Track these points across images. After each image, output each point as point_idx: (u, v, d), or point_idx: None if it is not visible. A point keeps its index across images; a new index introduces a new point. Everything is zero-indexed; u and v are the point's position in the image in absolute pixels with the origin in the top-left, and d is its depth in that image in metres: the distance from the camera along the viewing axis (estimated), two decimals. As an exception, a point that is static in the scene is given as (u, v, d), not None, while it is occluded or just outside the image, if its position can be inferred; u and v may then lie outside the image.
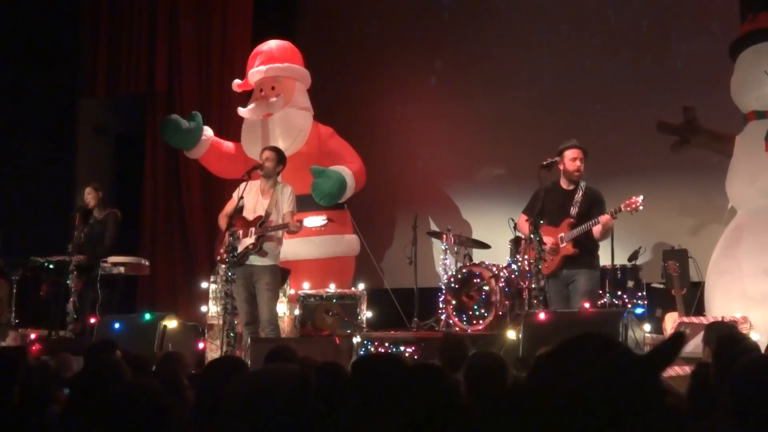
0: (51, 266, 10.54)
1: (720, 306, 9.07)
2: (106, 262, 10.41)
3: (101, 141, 13.76)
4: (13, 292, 10.53)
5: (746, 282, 9.00)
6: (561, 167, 8.75)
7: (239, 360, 5.54)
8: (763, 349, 7.25)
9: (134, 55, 13.34)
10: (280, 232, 8.84)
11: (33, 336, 9.80)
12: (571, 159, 8.69)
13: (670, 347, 2.17)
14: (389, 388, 3.19)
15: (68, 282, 10.27)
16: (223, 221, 9.01)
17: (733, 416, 3.24)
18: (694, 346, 7.70)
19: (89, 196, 10.72)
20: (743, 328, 8.00)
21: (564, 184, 8.81)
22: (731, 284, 9.13)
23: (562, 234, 8.58)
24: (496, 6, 12.64)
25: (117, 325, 9.32)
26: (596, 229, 8.51)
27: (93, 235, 10.55)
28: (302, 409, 3.03)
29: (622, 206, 8.39)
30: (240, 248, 8.70)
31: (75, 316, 10.21)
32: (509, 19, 12.53)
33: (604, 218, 8.44)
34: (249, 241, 8.74)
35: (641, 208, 8.38)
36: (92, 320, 9.85)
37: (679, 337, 2.19)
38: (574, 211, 8.66)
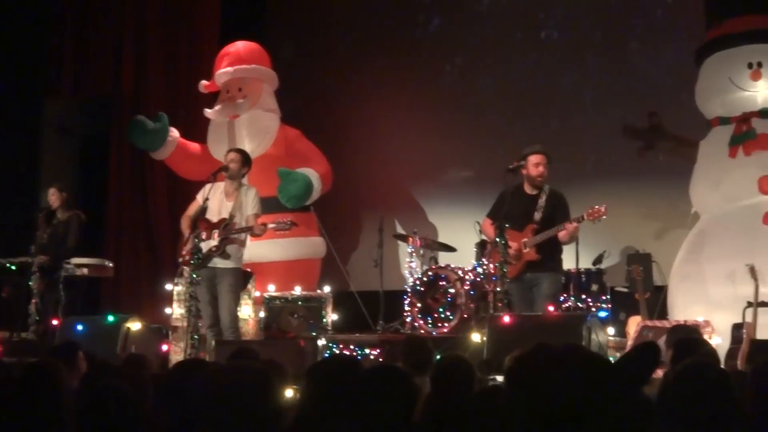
0: (13, 267, 10.45)
1: (683, 310, 9.17)
2: (69, 263, 10.35)
3: (66, 142, 13.67)
4: (-26, 293, 10.47)
5: (709, 286, 9.10)
6: (524, 172, 8.75)
7: (204, 362, 5.54)
8: (724, 351, 7.37)
9: (100, 56, 13.27)
10: (243, 235, 8.82)
11: (-6, 338, 9.75)
12: (534, 164, 8.69)
13: (644, 362, 2.22)
14: (345, 394, 3.21)
15: (30, 283, 10.19)
16: (185, 223, 8.98)
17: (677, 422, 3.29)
18: (657, 349, 7.76)
19: (53, 197, 10.66)
20: (705, 332, 8.09)
21: (527, 188, 8.82)
22: (694, 288, 9.23)
23: (525, 239, 8.61)
24: (463, 17, 12.69)
25: (80, 327, 9.24)
26: (561, 234, 8.54)
27: (56, 236, 10.48)
28: (264, 406, 3.04)
29: (585, 215, 8.41)
30: (204, 248, 8.69)
31: (37, 318, 10.13)
32: (475, 29, 12.59)
33: (569, 227, 8.47)
34: (212, 243, 8.72)
35: (604, 217, 8.42)
36: (55, 322, 9.77)
37: (652, 350, 2.24)
38: (537, 216, 8.67)
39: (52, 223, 10.56)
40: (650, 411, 3.25)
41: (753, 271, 8.27)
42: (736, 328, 8.01)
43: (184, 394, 3.66)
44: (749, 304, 8.21)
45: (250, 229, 8.69)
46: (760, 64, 9.55)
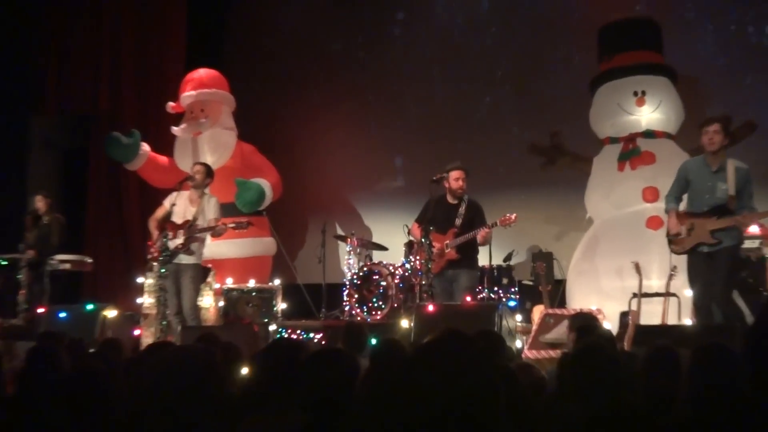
0: (4, 262, 10.33)
1: (579, 300, 9.28)
2: (53, 259, 10.27)
3: (50, 154, 13.49)
4: (-30, 285, 10.33)
5: (601, 280, 9.21)
6: (446, 185, 8.77)
7: (171, 344, 5.50)
8: (612, 336, 7.46)
9: (81, 78, 13.13)
10: (205, 234, 8.78)
11: (-13, 324, 9.61)
12: (454, 179, 8.70)
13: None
14: (295, 371, 3.21)
15: (19, 276, 10.10)
16: (152, 224, 8.89)
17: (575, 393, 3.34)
18: (556, 332, 7.88)
19: (40, 203, 10.56)
20: (599, 319, 8.17)
21: (449, 198, 8.83)
22: (588, 282, 9.35)
23: (447, 241, 8.64)
24: (393, 43, 12.74)
25: (63, 315, 9.15)
26: (479, 237, 8.58)
27: (42, 236, 10.40)
28: (207, 384, 3.02)
29: (498, 221, 8.44)
30: (171, 246, 8.64)
31: (25, 306, 10.05)
32: (403, 59, 12.64)
33: (484, 231, 8.51)
34: (178, 241, 8.67)
35: (515, 223, 8.46)
36: (41, 310, 9.66)
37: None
38: (458, 221, 8.69)
39: (38, 225, 10.46)
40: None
41: (637, 268, 8.35)
42: (623, 315, 8.10)
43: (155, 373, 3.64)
44: (634, 295, 8.29)
45: (212, 228, 8.64)
46: (644, 93, 9.69)
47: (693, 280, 7.30)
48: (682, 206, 7.46)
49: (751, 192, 7.10)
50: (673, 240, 7.39)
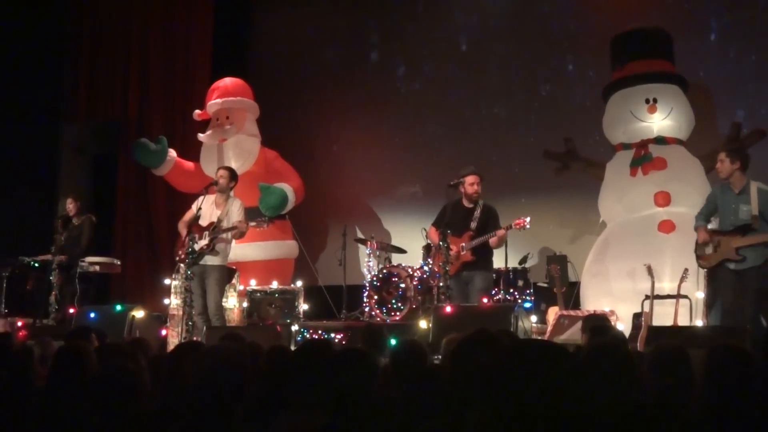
0: (36, 264, 10.36)
1: (592, 301, 9.22)
2: (83, 261, 10.29)
3: (81, 159, 13.56)
4: (3, 286, 10.34)
5: (613, 282, 9.16)
6: (462, 189, 8.81)
7: (199, 344, 5.50)
8: (626, 336, 7.41)
9: (110, 87, 13.24)
10: (229, 236, 8.80)
11: (20, 324, 9.62)
12: (470, 184, 8.74)
13: None
14: (323, 367, 3.20)
15: (51, 278, 10.13)
16: (182, 227, 8.94)
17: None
18: (571, 333, 7.86)
19: (70, 206, 10.58)
20: (611, 320, 8.13)
21: (465, 202, 8.86)
22: (602, 284, 9.29)
23: (463, 244, 8.64)
24: (410, 50, 12.72)
25: (92, 315, 9.17)
26: (493, 240, 8.59)
27: (72, 238, 10.40)
28: (239, 384, 3.02)
29: (512, 224, 8.47)
30: (197, 248, 8.66)
31: (56, 307, 10.07)
32: (421, 62, 12.63)
33: (500, 233, 8.53)
34: (203, 242, 8.69)
35: (528, 227, 8.48)
36: (71, 310, 9.70)
37: None
38: (473, 225, 8.71)
39: (68, 228, 10.47)
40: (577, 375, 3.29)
41: (650, 270, 8.34)
42: (636, 316, 8.06)
43: (182, 371, 3.64)
44: (647, 297, 8.28)
45: (234, 228, 8.66)
46: (655, 100, 9.64)
47: (719, 290, 7.59)
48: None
49: None
50: (700, 255, 7.68)
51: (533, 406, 1.98)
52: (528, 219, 8.42)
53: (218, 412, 2.93)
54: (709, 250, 7.59)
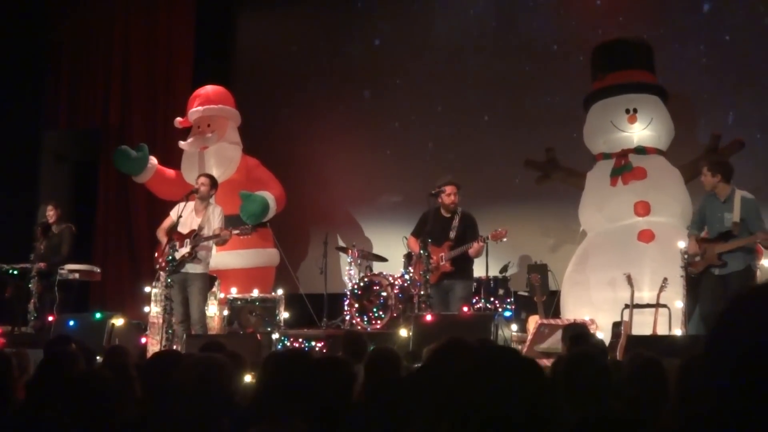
0: (15, 272, 10.29)
1: (573, 310, 9.25)
2: (63, 269, 10.22)
3: (61, 166, 13.51)
4: (-19, 294, 10.30)
5: (593, 291, 9.19)
6: (440, 200, 8.87)
7: (178, 353, 5.50)
8: (605, 345, 7.45)
9: (91, 94, 13.23)
10: (210, 243, 8.79)
11: (-1, 331, 9.58)
12: (447, 194, 8.83)
13: None
14: (299, 379, 3.20)
15: (30, 286, 10.05)
16: (161, 235, 8.92)
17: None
18: (551, 342, 7.88)
19: (50, 213, 10.51)
20: (591, 329, 8.16)
21: (443, 212, 8.93)
22: (582, 293, 9.32)
23: (443, 254, 8.70)
24: (393, 59, 12.75)
25: (72, 323, 9.12)
26: (470, 251, 8.66)
27: (52, 246, 10.33)
28: (218, 392, 3.02)
29: (489, 236, 8.55)
30: (177, 256, 8.64)
31: (35, 315, 10.00)
32: (404, 71, 12.66)
33: (477, 245, 8.60)
34: (185, 250, 8.67)
35: (505, 239, 8.56)
36: (50, 318, 9.63)
37: None
38: (452, 234, 8.77)
39: (48, 236, 10.41)
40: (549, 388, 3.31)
41: (629, 279, 8.37)
42: (616, 325, 8.10)
43: (162, 380, 3.64)
44: (626, 306, 8.31)
45: (217, 236, 8.65)
46: (635, 110, 9.68)
47: (699, 297, 7.94)
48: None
49: (760, 217, 7.81)
50: (690, 263, 7.98)
51: (502, 416, 2.00)
52: (506, 230, 8.52)
53: (207, 425, 2.93)
54: (698, 257, 7.91)
